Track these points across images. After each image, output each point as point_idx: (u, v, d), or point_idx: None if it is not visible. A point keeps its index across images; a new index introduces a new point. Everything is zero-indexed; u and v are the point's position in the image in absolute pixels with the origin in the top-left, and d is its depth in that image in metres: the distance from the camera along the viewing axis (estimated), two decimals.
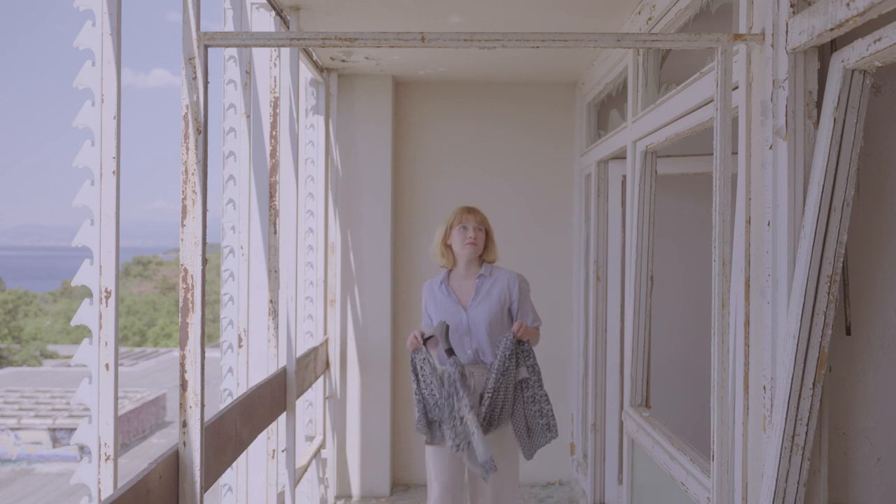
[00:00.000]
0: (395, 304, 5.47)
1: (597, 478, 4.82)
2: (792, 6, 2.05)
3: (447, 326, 3.22)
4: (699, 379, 4.52)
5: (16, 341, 39.01)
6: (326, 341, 5.12)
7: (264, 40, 2.41)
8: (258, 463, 3.54)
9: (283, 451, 3.73)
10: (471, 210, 3.38)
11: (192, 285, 2.17)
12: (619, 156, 4.39)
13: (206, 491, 2.30)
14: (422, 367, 3.22)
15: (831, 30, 1.82)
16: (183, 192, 2.17)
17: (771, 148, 2.13)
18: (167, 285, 47.15)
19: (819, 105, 2.03)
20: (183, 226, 2.18)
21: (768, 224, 2.14)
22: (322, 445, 4.96)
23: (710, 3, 2.88)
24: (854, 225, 2.07)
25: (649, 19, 3.48)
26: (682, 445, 3.04)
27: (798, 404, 1.98)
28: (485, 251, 3.38)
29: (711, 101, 2.60)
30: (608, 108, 4.97)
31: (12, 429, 22.23)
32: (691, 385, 4.82)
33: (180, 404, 2.20)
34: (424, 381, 3.22)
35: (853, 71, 1.92)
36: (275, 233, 3.52)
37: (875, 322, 2.13)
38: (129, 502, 1.92)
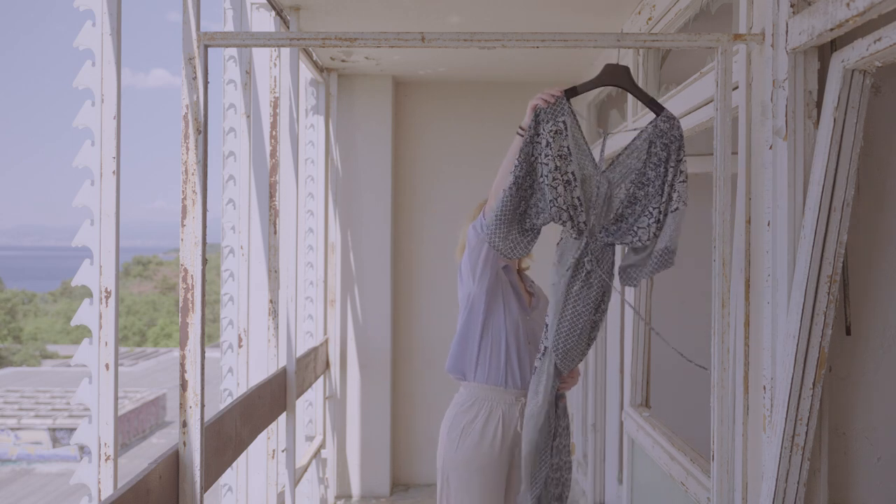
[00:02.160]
0: (395, 304, 5.47)
1: (597, 478, 4.81)
2: (792, 6, 2.05)
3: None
4: (699, 379, 4.51)
5: (16, 341, 39.01)
6: (326, 341, 5.12)
7: (264, 40, 2.41)
8: (258, 463, 3.54)
9: (283, 451, 3.73)
10: None
11: (192, 285, 2.17)
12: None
13: (206, 491, 2.30)
14: (555, 139, 2.18)
15: (831, 30, 1.82)
16: (183, 192, 2.17)
17: (771, 148, 2.13)
18: (167, 285, 47.15)
19: (819, 105, 2.03)
20: (183, 226, 2.18)
21: (768, 224, 2.14)
22: (322, 445, 4.96)
23: (710, 3, 2.88)
24: (854, 225, 2.07)
25: (649, 19, 3.47)
26: (682, 445, 3.04)
27: (798, 404, 1.98)
28: (525, 259, 2.79)
29: (711, 101, 2.60)
30: (608, 108, 4.97)
31: (12, 429, 22.23)
32: (691, 385, 4.81)
33: (180, 404, 2.20)
34: (551, 163, 2.17)
35: (853, 71, 1.91)
36: (275, 233, 3.52)
37: (875, 322, 2.13)
38: (129, 502, 1.92)
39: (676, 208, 2.22)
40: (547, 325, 2.35)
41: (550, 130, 2.19)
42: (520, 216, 2.23)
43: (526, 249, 2.29)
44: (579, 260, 2.27)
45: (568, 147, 2.21)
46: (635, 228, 2.23)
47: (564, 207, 2.19)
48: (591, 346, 2.37)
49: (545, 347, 2.38)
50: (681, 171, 2.23)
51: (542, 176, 2.20)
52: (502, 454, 2.64)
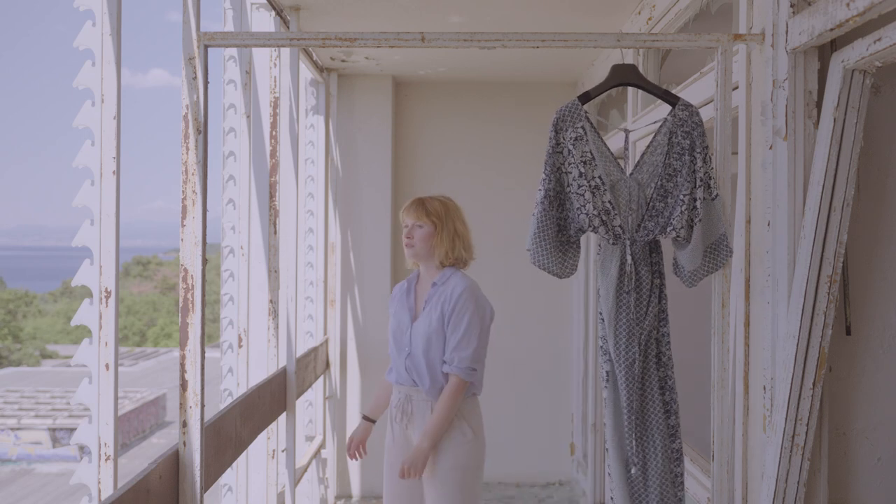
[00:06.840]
0: None
1: (597, 478, 4.81)
2: (792, 6, 2.05)
3: None
4: (699, 379, 4.52)
5: (16, 341, 39.01)
6: (326, 341, 5.12)
7: (264, 40, 2.41)
8: (258, 463, 3.54)
9: (283, 451, 3.73)
10: (410, 205, 2.78)
11: (192, 285, 2.17)
12: (619, 156, 4.39)
13: (206, 491, 2.30)
14: (576, 146, 2.20)
15: (831, 30, 1.82)
16: (183, 192, 2.17)
17: (771, 148, 2.13)
18: (167, 285, 47.13)
19: (819, 105, 2.03)
20: (183, 226, 2.18)
21: (768, 224, 2.14)
22: (322, 445, 4.96)
23: (710, 3, 2.88)
24: (854, 225, 2.07)
25: (649, 19, 3.47)
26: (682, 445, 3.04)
27: (798, 404, 1.98)
28: (436, 251, 2.73)
29: (711, 101, 2.60)
30: (608, 108, 4.97)
31: (12, 429, 22.23)
32: (691, 385, 4.82)
33: (180, 404, 2.20)
34: (574, 170, 2.19)
35: (853, 71, 1.92)
36: (275, 233, 3.52)
37: (875, 322, 2.13)
38: (129, 502, 1.92)
39: (716, 195, 2.21)
40: (604, 340, 2.29)
41: (571, 137, 2.18)
42: (558, 231, 2.21)
43: (574, 265, 2.25)
44: (622, 264, 2.23)
45: (591, 152, 2.20)
46: (672, 220, 2.20)
47: (595, 213, 2.17)
48: (660, 354, 2.28)
49: (606, 372, 2.32)
50: (709, 157, 2.22)
51: (567, 185, 2.19)
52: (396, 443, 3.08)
